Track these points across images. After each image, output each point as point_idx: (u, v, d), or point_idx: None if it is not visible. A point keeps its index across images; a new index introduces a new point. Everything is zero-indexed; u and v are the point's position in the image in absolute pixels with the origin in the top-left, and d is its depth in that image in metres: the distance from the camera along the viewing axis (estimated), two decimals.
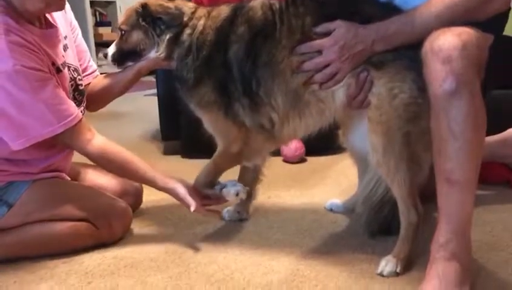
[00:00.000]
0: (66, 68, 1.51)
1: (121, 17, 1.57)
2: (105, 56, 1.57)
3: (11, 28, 1.32)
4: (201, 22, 1.46)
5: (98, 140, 1.46)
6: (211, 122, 1.49)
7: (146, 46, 1.49)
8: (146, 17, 1.47)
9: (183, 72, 1.45)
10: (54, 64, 1.43)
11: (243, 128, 1.44)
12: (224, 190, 1.49)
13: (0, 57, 1.28)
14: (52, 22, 1.51)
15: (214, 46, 1.42)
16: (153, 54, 1.50)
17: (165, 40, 1.46)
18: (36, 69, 1.33)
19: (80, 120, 1.42)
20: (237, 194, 1.49)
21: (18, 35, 1.32)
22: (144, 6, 1.47)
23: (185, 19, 1.47)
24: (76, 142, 1.43)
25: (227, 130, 1.46)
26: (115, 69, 1.66)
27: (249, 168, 1.64)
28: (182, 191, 1.48)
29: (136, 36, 1.49)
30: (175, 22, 1.46)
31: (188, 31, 1.45)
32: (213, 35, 1.43)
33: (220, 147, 1.51)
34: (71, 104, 1.42)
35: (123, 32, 1.51)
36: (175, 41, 1.46)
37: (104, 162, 1.49)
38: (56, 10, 1.46)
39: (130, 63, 1.55)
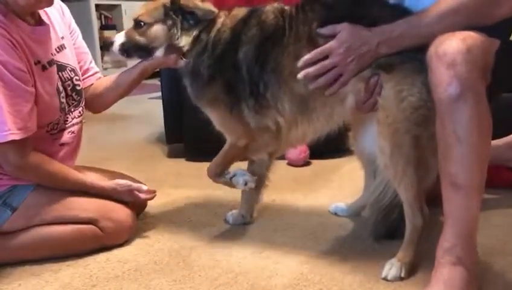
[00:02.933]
0: (54, 67, 1.49)
1: (141, 9, 1.52)
2: (111, 44, 1.52)
3: None
4: (221, 19, 1.48)
5: (34, 153, 1.40)
6: (218, 119, 1.51)
7: (160, 43, 1.48)
8: (176, 10, 1.46)
9: (199, 68, 1.46)
10: (39, 62, 1.41)
11: (249, 127, 1.46)
12: (233, 178, 1.55)
13: None
14: (48, 21, 1.50)
15: (227, 45, 1.44)
16: (159, 53, 1.50)
17: (193, 36, 1.46)
18: (7, 66, 1.29)
19: (28, 137, 1.35)
20: (246, 184, 1.54)
21: (1, 28, 1.31)
22: (174, 1, 1.46)
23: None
24: (14, 155, 1.35)
25: (234, 127, 1.48)
26: (118, 72, 1.66)
27: (256, 163, 1.64)
28: (123, 181, 1.58)
29: (157, 30, 1.47)
30: (207, 17, 1.46)
31: (207, 29, 1.46)
32: (228, 34, 1.45)
33: (228, 140, 1.53)
34: (25, 117, 1.34)
35: (142, 23, 1.48)
36: (197, 38, 1.46)
37: (38, 173, 1.43)
38: (46, 6, 1.44)
39: (136, 58, 1.54)
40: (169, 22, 1.46)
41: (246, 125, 1.46)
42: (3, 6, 1.35)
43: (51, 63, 1.47)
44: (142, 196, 1.62)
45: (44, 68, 1.44)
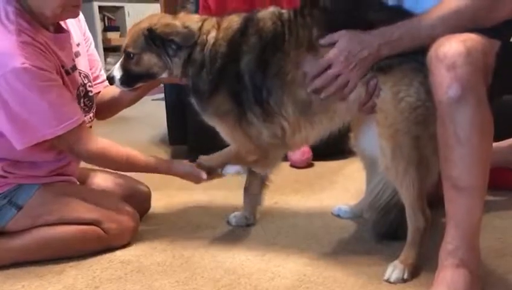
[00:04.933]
0: (77, 72, 1.53)
1: (126, 38, 1.49)
2: (111, 80, 1.50)
3: (22, 28, 1.35)
4: (212, 34, 1.45)
5: (98, 140, 1.48)
6: (227, 133, 1.49)
7: (159, 68, 1.46)
8: (155, 40, 1.43)
9: (199, 85, 1.45)
10: (63, 66, 1.45)
11: (261, 142, 1.44)
12: (224, 170, 1.56)
13: (10, 55, 1.31)
14: (66, 28, 1.53)
15: (227, 58, 1.42)
16: (165, 75, 1.48)
17: (180, 62, 1.44)
18: (44, 69, 1.34)
19: (82, 123, 1.43)
20: (238, 173, 1.57)
21: (29, 36, 1.35)
22: (150, 30, 1.43)
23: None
24: (76, 144, 1.43)
25: (243, 141, 1.46)
26: None
27: (256, 175, 1.65)
28: (188, 166, 1.57)
29: (148, 59, 1.45)
30: (188, 43, 1.43)
31: (198, 48, 1.44)
32: (225, 47, 1.42)
33: (236, 151, 1.50)
34: (75, 106, 1.44)
35: (131, 55, 1.46)
36: (188, 60, 1.44)
37: (105, 160, 1.51)
38: (71, 17, 1.49)
39: (140, 84, 1.51)
40: (156, 51, 1.44)
41: (257, 140, 1.44)
42: (29, 15, 1.38)
43: (73, 68, 1.51)
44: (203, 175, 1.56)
45: (67, 73, 1.47)
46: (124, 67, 1.48)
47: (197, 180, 1.57)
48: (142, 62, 1.46)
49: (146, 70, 1.47)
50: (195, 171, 1.54)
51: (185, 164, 1.60)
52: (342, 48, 1.29)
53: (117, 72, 1.49)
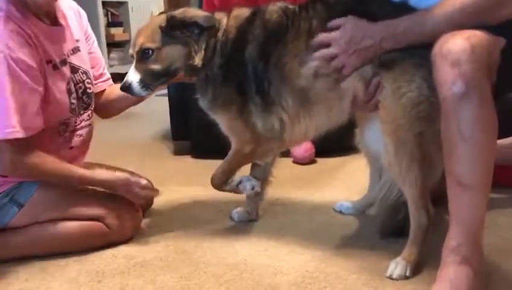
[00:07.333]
0: (67, 67, 1.50)
1: (138, 39, 1.42)
2: (127, 88, 1.39)
3: (11, 16, 1.33)
4: (224, 21, 1.47)
5: (36, 155, 1.38)
6: (227, 122, 1.50)
7: (181, 62, 1.42)
8: (177, 26, 1.39)
9: (212, 70, 1.44)
10: (50, 61, 1.43)
11: (255, 132, 1.46)
12: (240, 185, 1.56)
13: None
14: (64, 23, 1.53)
15: (234, 45, 1.44)
16: (182, 71, 1.46)
17: (203, 48, 1.42)
18: (22, 61, 1.30)
19: (29, 137, 1.33)
20: (253, 188, 1.56)
21: (17, 25, 1.33)
22: (170, 17, 1.40)
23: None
24: (14, 150, 1.34)
25: (242, 131, 1.47)
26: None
27: (259, 167, 1.65)
28: (124, 175, 1.53)
29: (170, 52, 1.41)
30: (209, 23, 1.41)
31: (213, 34, 1.44)
32: (234, 34, 1.45)
33: (233, 147, 1.53)
34: (34, 116, 1.35)
35: (150, 51, 1.39)
36: (207, 46, 1.43)
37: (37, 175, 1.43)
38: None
39: (159, 86, 1.46)
40: (178, 40, 1.40)
41: (252, 129, 1.46)
42: (22, 5, 1.36)
43: (62, 63, 1.48)
44: (142, 191, 1.54)
45: (55, 67, 1.45)
46: (142, 69, 1.40)
47: (136, 194, 1.52)
48: (162, 57, 1.40)
49: (167, 66, 1.41)
50: (132, 178, 1.51)
51: (123, 174, 1.52)
52: (345, 32, 1.30)
53: (133, 77, 1.40)
